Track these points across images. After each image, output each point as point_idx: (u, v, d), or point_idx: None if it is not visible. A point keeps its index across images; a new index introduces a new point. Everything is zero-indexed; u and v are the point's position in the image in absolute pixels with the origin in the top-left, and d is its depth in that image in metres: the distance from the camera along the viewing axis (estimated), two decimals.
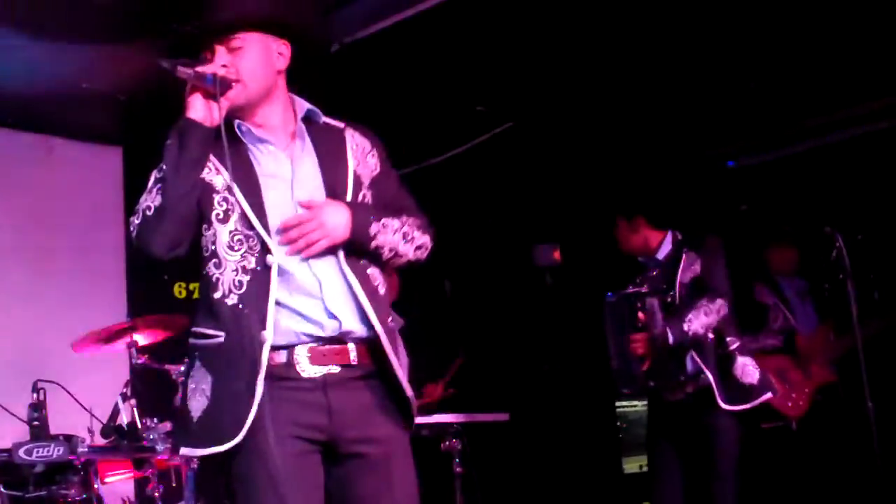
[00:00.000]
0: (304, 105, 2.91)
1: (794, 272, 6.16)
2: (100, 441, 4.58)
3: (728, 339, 4.68)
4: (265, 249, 2.70)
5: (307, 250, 2.72)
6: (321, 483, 2.74)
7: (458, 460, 5.10)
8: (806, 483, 5.69)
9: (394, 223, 2.86)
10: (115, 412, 4.68)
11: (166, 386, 4.86)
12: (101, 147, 6.48)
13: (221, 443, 2.63)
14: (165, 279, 6.59)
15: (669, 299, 4.71)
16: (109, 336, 4.84)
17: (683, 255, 4.83)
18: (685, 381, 4.67)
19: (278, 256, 2.70)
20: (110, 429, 4.61)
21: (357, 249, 2.80)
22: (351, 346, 2.75)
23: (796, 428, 5.76)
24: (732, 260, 4.83)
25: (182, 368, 2.66)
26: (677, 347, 4.58)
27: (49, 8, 4.63)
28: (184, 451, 2.72)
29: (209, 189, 2.73)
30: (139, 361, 4.82)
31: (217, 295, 2.69)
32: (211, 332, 2.70)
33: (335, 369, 2.72)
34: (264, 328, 2.65)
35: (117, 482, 4.75)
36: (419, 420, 4.69)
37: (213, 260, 2.72)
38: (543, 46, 5.37)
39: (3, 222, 5.94)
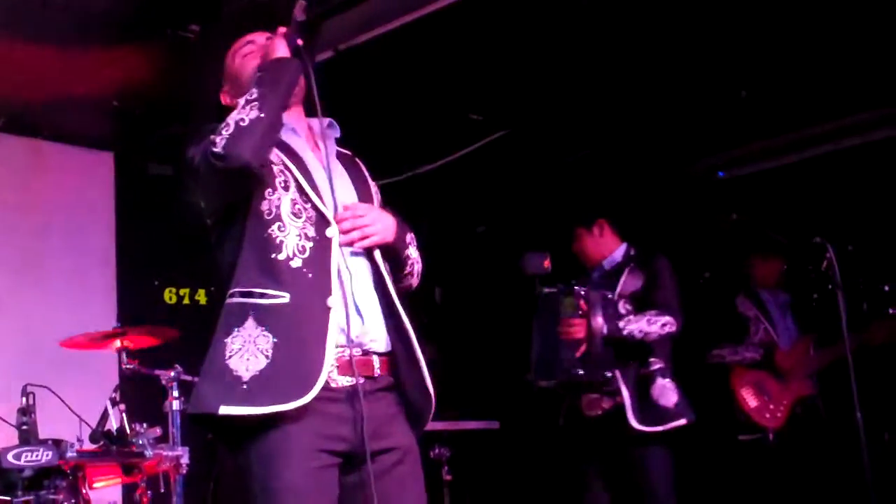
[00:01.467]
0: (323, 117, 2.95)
1: (778, 284, 6.17)
2: (89, 446, 4.57)
3: (652, 359, 4.69)
4: (324, 222, 2.74)
5: (360, 242, 2.77)
6: (335, 499, 2.69)
7: (447, 468, 5.11)
8: (783, 496, 5.69)
9: (415, 240, 2.96)
10: (105, 417, 4.66)
11: (156, 391, 4.86)
12: (93, 152, 6.48)
13: (286, 401, 2.56)
14: (156, 284, 6.59)
15: (610, 296, 4.74)
16: (100, 339, 4.84)
17: (627, 269, 4.86)
18: (606, 387, 4.67)
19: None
20: (99, 434, 4.59)
21: (392, 256, 2.88)
22: (374, 357, 2.76)
23: (773, 440, 5.76)
24: (717, 271, 4.86)
25: (222, 339, 2.56)
26: (610, 341, 4.58)
27: (43, 12, 4.62)
28: (229, 409, 2.57)
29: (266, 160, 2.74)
30: (129, 366, 4.82)
31: (281, 256, 2.67)
32: (271, 291, 2.66)
33: (362, 380, 2.70)
34: (330, 294, 2.67)
35: (106, 488, 4.73)
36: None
37: (278, 223, 2.70)
38: (537, 55, 5.38)
39: None
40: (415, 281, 3.02)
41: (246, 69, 2.87)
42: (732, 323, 6.04)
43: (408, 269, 2.96)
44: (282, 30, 2.81)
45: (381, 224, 2.82)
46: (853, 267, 5.60)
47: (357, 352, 2.70)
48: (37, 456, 4.17)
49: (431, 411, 2.84)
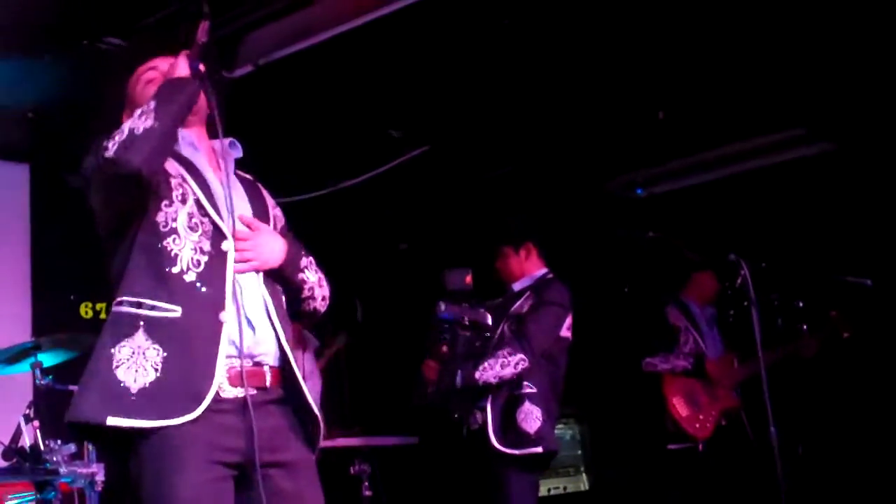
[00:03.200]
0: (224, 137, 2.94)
1: (710, 300, 6.28)
2: (1, 463, 4.48)
3: (526, 383, 4.73)
4: (220, 235, 2.74)
5: (238, 266, 2.76)
6: None
7: (367, 483, 5.09)
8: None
9: (314, 265, 2.95)
10: (18, 434, 4.57)
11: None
12: (8, 164, 6.36)
13: (176, 416, 2.56)
14: (72, 299, 6.48)
15: (486, 336, 4.75)
16: (13, 357, 4.75)
17: (526, 294, 4.92)
18: (462, 415, 4.76)
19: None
20: (12, 451, 4.51)
21: (281, 278, 2.87)
22: (266, 368, 2.77)
23: (703, 449, 5.86)
24: (645, 280, 4.92)
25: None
26: (463, 389, 4.66)
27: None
28: (116, 421, 2.56)
29: (164, 172, 2.74)
30: (43, 382, 4.73)
31: (175, 269, 2.68)
32: (163, 304, 2.66)
33: (252, 392, 2.70)
34: (223, 309, 2.67)
35: None
36: (328, 444, 4.68)
37: (173, 235, 2.70)
38: (457, 73, 5.42)
39: None
40: (318, 304, 3.01)
41: (147, 95, 2.83)
42: (663, 333, 6.14)
43: (305, 292, 2.95)
44: (184, 52, 2.81)
45: (267, 248, 2.82)
46: (767, 284, 5.71)
47: (248, 363, 2.71)
48: None
49: (319, 429, 2.84)
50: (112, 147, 2.59)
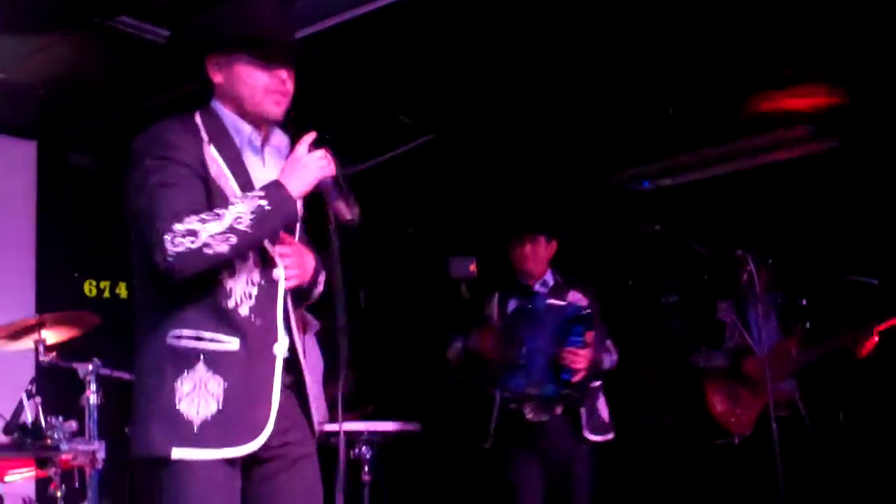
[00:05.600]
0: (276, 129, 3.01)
1: (769, 288, 6.14)
2: (2, 438, 4.49)
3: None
4: (269, 262, 2.76)
5: (286, 284, 2.80)
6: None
7: (366, 468, 5.09)
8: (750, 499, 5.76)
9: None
10: (20, 409, 4.57)
11: (73, 385, 4.78)
12: (15, 140, 6.35)
13: (236, 445, 2.64)
14: (76, 276, 6.49)
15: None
16: (16, 333, 4.75)
17: (572, 290, 5.03)
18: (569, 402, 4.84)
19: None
20: (13, 426, 4.51)
21: (305, 290, 2.94)
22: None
23: (739, 444, 5.82)
24: (639, 278, 4.95)
25: (143, 369, 2.61)
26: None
27: None
28: (182, 453, 2.61)
29: (224, 198, 2.71)
30: (46, 359, 4.73)
31: (230, 304, 2.70)
32: (223, 337, 2.68)
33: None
34: (276, 340, 2.74)
35: (19, 481, 4.65)
36: (329, 427, 4.67)
37: (228, 269, 2.69)
38: (470, 61, 5.40)
39: None
40: (319, 289, 3.04)
41: (258, 107, 2.87)
42: (708, 328, 6.12)
43: (314, 297, 3.02)
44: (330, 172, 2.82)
45: (305, 262, 2.88)
46: (774, 281, 5.70)
47: None
48: None
49: (314, 414, 2.92)
50: (172, 252, 2.56)
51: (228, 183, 2.74)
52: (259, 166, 2.88)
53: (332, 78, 5.58)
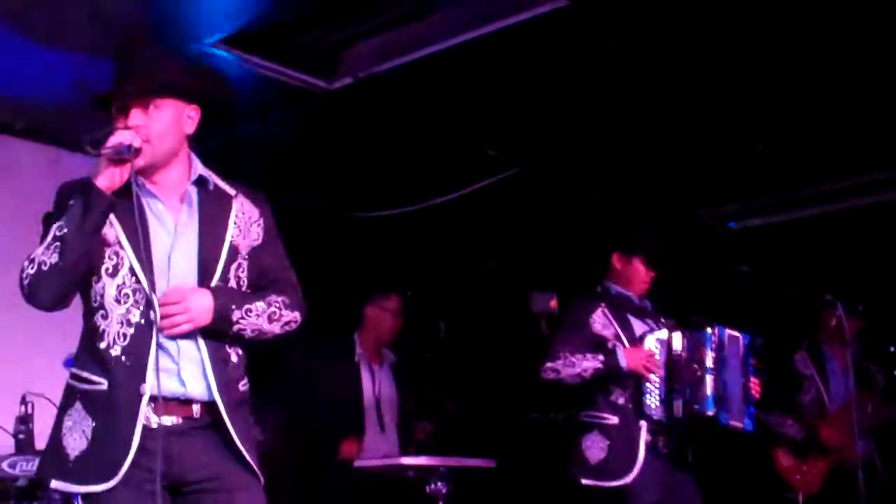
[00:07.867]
0: (197, 169, 3.02)
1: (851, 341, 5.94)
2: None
3: None
4: (149, 305, 2.84)
5: (169, 331, 2.85)
6: None
7: (441, 503, 5.06)
8: None
9: (258, 306, 3.00)
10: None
11: None
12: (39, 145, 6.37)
13: (98, 483, 2.77)
14: None
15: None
16: None
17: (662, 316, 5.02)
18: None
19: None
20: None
21: (218, 331, 2.94)
22: (196, 406, 2.90)
23: (803, 502, 5.69)
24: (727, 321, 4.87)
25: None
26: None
27: (90, 25, 4.63)
28: (57, 484, 2.81)
29: (101, 242, 2.85)
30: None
31: (102, 345, 2.84)
32: (95, 378, 2.83)
33: (178, 420, 2.87)
34: (144, 381, 2.81)
35: None
36: (406, 461, 4.65)
37: (101, 311, 2.86)
38: (556, 93, 5.39)
39: (5, 231, 5.89)
40: (276, 332, 3.07)
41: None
42: (784, 381, 5.97)
43: (248, 336, 3.00)
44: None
45: (195, 311, 2.86)
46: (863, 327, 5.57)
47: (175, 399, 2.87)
48: (32, 466, 4.15)
49: (248, 459, 2.93)
50: (25, 282, 2.82)
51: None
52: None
53: (416, 110, 5.61)
